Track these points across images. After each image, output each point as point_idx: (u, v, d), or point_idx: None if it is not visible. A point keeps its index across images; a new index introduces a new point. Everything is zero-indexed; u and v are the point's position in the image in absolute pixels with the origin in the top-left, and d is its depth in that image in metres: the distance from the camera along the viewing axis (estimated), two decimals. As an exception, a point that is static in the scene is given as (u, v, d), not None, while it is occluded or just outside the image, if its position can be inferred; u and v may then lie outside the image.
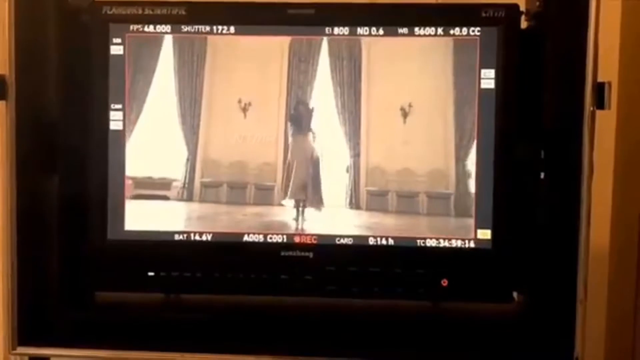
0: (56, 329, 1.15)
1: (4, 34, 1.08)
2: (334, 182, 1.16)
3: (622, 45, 1.53)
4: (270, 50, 1.15)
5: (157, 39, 1.15)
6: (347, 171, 1.15)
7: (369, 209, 1.16)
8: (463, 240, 1.14)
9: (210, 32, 1.15)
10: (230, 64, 1.16)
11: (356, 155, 1.14)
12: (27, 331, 1.14)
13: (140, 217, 1.17)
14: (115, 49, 1.15)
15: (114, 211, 1.16)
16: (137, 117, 1.16)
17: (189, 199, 1.17)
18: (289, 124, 1.15)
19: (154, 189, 1.17)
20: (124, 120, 1.15)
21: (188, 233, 1.16)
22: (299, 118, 1.16)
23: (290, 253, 1.15)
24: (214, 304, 1.17)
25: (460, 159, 1.13)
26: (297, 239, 1.15)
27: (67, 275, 1.17)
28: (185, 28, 1.15)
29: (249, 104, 1.14)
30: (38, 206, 1.15)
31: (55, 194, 1.16)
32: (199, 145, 1.16)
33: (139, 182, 1.17)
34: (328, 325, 1.14)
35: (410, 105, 1.13)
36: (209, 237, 1.16)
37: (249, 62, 1.15)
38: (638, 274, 1.57)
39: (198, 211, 1.17)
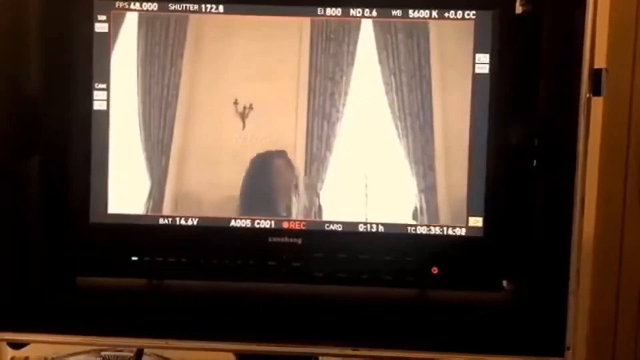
0: (36, 314, 1.12)
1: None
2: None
3: (610, 32, 1.53)
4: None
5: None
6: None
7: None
8: (454, 227, 1.12)
9: (199, 11, 1.11)
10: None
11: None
12: (6, 316, 1.11)
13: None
14: (100, 27, 1.11)
15: (96, 194, 1.13)
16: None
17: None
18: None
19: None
20: (107, 101, 1.12)
21: (173, 217, 1.13)
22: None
23: (279, 239, 1.12)
24: (199, 290, 1.14)
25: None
26: (285, 225, 1.13)
27: (47, 259, 1.14)
28: (172, 6, 1.11)
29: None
30: (18, 188, 1.11)
31: (36, 175, 1.12)
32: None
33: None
34: (316, 312, 1.12)
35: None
36: (195, 222, 1.13)
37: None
38: (620, 264, 1.58)
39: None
